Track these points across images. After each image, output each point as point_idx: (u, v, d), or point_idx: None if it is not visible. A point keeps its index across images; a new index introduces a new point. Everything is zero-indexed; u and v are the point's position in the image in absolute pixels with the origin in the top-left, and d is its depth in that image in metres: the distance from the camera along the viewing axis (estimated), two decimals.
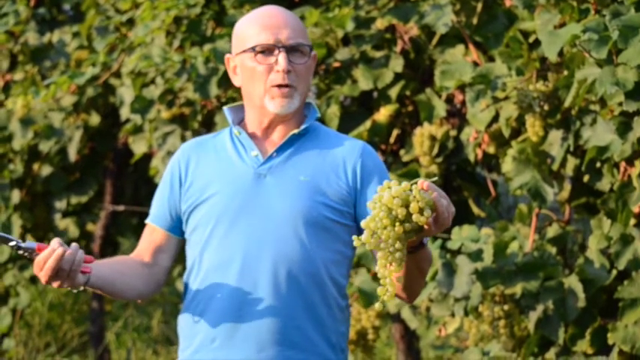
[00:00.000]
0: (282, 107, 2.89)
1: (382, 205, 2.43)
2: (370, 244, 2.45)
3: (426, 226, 2.45)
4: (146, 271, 2.96)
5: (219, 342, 2.85)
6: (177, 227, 2.98)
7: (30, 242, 2.69)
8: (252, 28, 2.91)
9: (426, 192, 2.45)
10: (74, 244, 2.70)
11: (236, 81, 3.00)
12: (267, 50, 2.88)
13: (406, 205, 2.43)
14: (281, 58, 2.87)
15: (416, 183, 2.46)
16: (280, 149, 2.91)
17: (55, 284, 2.68)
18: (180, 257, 3.07)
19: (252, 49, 2.89)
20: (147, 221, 3.02)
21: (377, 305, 2.51)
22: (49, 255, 2.64)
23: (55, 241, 2.67)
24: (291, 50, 2.88)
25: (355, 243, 2.45)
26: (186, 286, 2.96)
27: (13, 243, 2.68)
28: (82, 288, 2.75)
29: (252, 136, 2.96)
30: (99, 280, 2.79)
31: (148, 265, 2.97)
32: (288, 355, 2.82)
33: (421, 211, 2.43)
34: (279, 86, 2.88)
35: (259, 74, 2.89)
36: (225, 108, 3.03)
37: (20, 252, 2.69)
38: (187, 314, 2.94)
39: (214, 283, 2.86)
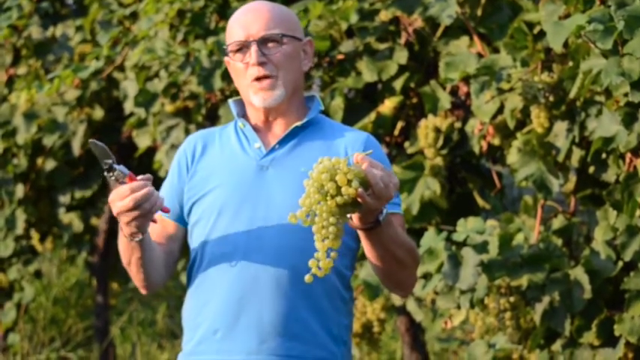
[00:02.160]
0: (266, 100, 2.90)
1: (313, 182, 2.47)
2: (305, 221, 2.50)
3: (359, 199, 2.47)
4: (166, 259, 2.95)
5: (221, 334, 2.85)
6: (184, 218, 2.98)
7: (123, 167, 2.64)
8: (231, 28, 2.97)
9: (357, 165, 2.49)
10: (154, 189, 2.67)
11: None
12: (243, 47, 2.92)
13: (334, 179, 2.45)
14: (252, 52, 2.89)
15: (350, 158, 2.50)
16: (283, 141, 2.92)
17: (127, 217, 2.65)
18: (184, 250, 3.06)
19: (228, 48, 2.95)
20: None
21: (306, 277, 2.55)
22: (140, 186, 2.62)
23: (147, 177, 2.66)
24: (263, 42, 2.90)
25: (291, 220, 2.51)
26: (188, 278, 2.97)
27: (109, 160, 2.62)
28: (137, 238, 2.73)
29: (255, 128, 2.96)
30: (146, 246, 2.78)
31: (166, 252, 2.96)
32: (289, 347, 2.82)
33: (349, 183, 2.45)
34: (258, 79, 2.89)
35: (240, 72, 2.93)
36: (230, 101, 3.05)
37: (109, 174, 2.63)
38: (190, 306, 2.96)
39: (216, 274, 2.87)
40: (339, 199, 2.46)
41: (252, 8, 2.96)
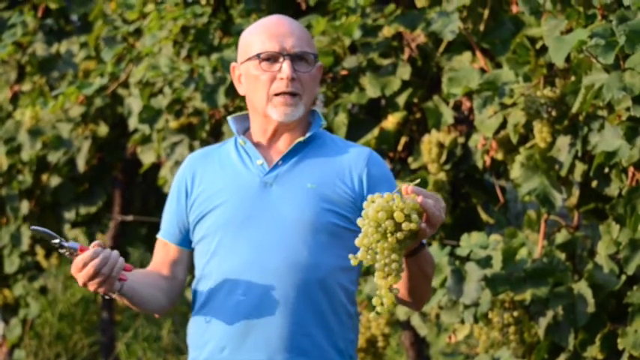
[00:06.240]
0: (286, 115, 2.89)
1: (370, 221, 2.44)
2: (367, 261, 2.48)
3: (420, 230, 2.47)
4: (168, 285, 2.98)
5: (228, 350, 2.85)
6: (187, 241, 2.99)
7: (72, 242, 2.68)
8: (258, 36, 2.92)
9: (409, 197, 2.46)
10: (115, 251, 2.71)
11: (241, 90, 3.00)
12: (272, 58, 2.89)
13: (392, 216, 2.43)
14: (285, 66, 2.87)
15: (399, 191, 2.47)
16: (286, 157, 2.92)
17: (92, 287, 2.69)
18: (190, 267, 3.07)
19: (257, 56, 2.90)
20: (158, 236, 3.03)
21: (371, 315, 2.57)
22: (90, 257, 2.65)
23: (97, 244, 2.68)
24: (295, 58, 2.89)
25: (352, 262, 2.48)
26: (194, 295, 2.97)
27: (56, 241, 2.67)
28: (114, 295, 2.77)
29: (257, 145, 2.96)
30: (130, 290, 2.81)
31: (168, 278, 2.99)
32: None
33: (408, 218, 2.44)
34: (283, 94, 2.88)
35: (263, 82, 2.89)
36: (229, 118, 3.04)
37: (62, 251, 2.68)
38: (196, 323, 2.96)
39: (222, 291, 2.87)
40: (399, 234, 2.44)
41: (283, 22, 2.94)
